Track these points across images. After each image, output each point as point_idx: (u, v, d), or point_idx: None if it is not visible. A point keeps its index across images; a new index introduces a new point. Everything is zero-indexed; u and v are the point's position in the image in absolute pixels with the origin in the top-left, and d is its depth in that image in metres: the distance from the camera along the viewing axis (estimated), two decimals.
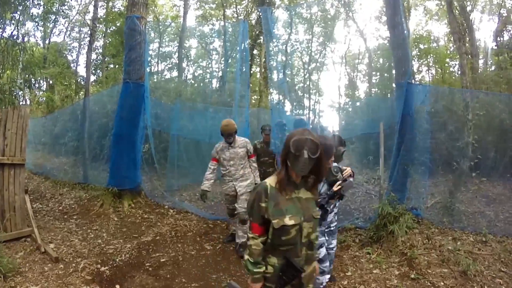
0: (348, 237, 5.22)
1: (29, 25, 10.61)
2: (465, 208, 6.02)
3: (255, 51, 16.01)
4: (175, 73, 17.66)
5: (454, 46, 13.44)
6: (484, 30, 38.55)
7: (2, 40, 8.23)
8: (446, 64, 17.39)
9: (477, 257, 4.35)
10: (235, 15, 18.56)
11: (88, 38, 15.99)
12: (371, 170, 8.88)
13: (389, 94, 14.57)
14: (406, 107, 5.40)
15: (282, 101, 6.64)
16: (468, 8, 13.32)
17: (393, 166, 5.51)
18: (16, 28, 9.52)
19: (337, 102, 24.04)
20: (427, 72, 19.33)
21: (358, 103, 17.37)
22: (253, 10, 17.49)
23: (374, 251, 4.69)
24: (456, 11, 12.05)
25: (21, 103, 9.73)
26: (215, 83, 15.33)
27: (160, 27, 16.98)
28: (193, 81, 16.37)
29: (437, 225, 5.25)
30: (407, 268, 4.23)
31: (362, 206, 6.78)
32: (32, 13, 9.59)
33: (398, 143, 5.43)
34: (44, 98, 18.04)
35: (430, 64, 18.72)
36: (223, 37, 13.17)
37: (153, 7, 18.16)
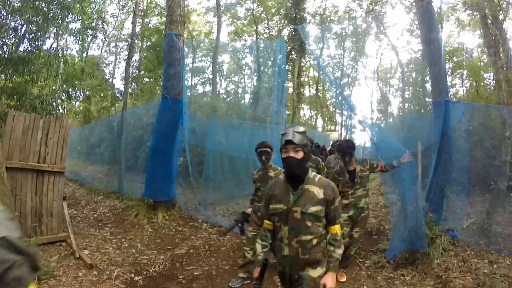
0: (382, 257, 5.11)
1: (69, 39, 11.19)
2: (502, 230, 5.77)
3: (287, 67, 16.11)
4: (207, 88, 17.98)
5: (489, 59, 13.01)
6: None
7: (44, 53, 8.76)
8: (480, 77, 16.86)
9: None
10: (267, 31, 18.81)
11: (124, 52, 16.64)
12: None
13: (422, 110, 14.21)
14: (445, 125, 5.29)
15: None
16: (501, 17, 12.84)
17: (430, 186, 5.38)
18: (56, 41, 10.12)
19: (369, 118, 23.60)
20: (461, 86, 18.81)
21: (391, 119, 17.00)
22: (284, 26, 17.66)
23: (408, 273, 4.56)
24: (489, 21, 11.68)
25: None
26: (247, 98, 15.53)
27: (194, 42, 17.42)
28: (225, 96, 16.63)
29: (473, 247, 5.04)
30: None
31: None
32: (73, 28, 10.08)
33: (436, 162, 5.31)
34: (81, 108, 18.81)
35: (464, 77, 18.22)
36: (255, 52, 13.32)
37: (187, 24, 18.74)
